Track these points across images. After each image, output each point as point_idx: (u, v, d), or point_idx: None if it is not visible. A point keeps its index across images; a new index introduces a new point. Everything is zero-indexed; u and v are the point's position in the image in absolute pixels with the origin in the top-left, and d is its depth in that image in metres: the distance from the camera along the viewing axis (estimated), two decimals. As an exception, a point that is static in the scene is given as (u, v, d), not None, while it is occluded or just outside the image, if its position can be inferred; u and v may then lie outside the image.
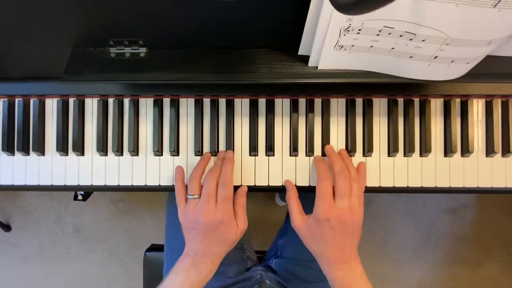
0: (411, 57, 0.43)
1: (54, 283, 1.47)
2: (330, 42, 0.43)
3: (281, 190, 0.58)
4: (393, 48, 0.43)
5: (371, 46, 0.43)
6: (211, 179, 0.52)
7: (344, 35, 0.42)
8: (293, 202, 0.54)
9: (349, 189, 0.51)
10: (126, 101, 0.59)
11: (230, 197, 0.52)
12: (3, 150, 0.59)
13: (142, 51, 0.51)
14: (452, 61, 0.43)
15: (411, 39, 0.40)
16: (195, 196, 0.52)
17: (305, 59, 0.49)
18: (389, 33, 0.40)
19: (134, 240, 1.45)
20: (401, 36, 0.40)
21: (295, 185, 0.57)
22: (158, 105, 0.58)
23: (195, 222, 0.51)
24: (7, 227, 1.45)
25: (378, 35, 0.41)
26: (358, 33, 0.41)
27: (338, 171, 0.52)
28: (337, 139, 0.58)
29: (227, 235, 0.52)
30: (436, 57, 0.42)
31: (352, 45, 0.43)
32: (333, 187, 0.52)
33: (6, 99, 0.59)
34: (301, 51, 0.49)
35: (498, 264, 1.42)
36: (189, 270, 0.51)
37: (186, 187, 0.55)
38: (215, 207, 0.51)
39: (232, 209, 0.53)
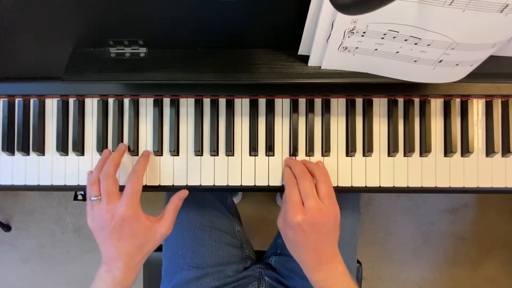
0: (415, 61, 0.43)
1: (54, 283, 1.47)
2: (335, 42, 0.43)
3: (281, 190, 0.58)
4: (397, 52, 0.43)
5: (376, 49, 0.43)
6: (107, 174, 0.50)
7: (349, 36, 0.42)
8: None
9: (313, 190, 0.50)
10: (126, 101, 0.59)
11: (136, 194, 0.50)
12: (3, 150, 0.59)
13: (142, 51, 0.51)
14: (457, 64, 0.43)
15: (416, 44, 0.40)
16: (98, 197, 0.50)
17: (305, 59, 0.49)
18: (394, 37, 0.40)
19: (134, 240, 1.45)
20: (406, 40, 0.40)
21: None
22: (158, 105, 0.58)
23: (100, 222, 0.49)
24: (7, 227, 1.45)
25: (382, 38, 0.41)
26: (362, 35, 0.41)
27: (298, 174, 0.51)
28: (337, 139, 0.58)
29: (136, 232, 0.49)
30: (441, 61, 0.42)
31: (356, 47, 0.43)
32: None
33: (6, 99, 0.59)
34: (301, 51, 0.49)
35: (498, 264, 1.42)
36: (104, 278, 0.49)
37: None
38: (115, 203, 0.49)
39: (137, 205, 0.50)
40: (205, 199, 0.70)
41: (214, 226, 0.69)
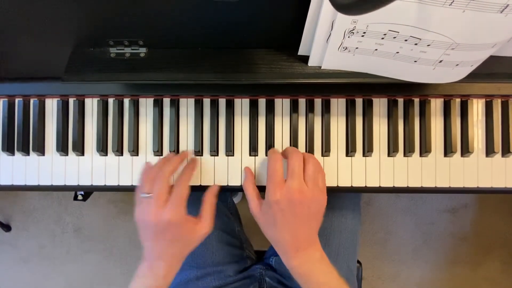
0: (415, 61, 0.43)
1: (54, 283, 1.47)
2: (335, 43, 0.43)
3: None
4: (397, 52, 0.43)
5: (376, 49, 0.43)
6: (163, 177, 0.50)
7: (349, 37, 0.42)
8: (249, 189, 0.52)
9: (301, 170, 0.48)
10: (126, 101, 0.59)
11: (183, 197, 0.50)
12: (3, 150, 0.59)
13: (142, 51, 0.51)
14: (457, 65, 0.43)
15: (416, 44, 0.40)
16: (150, 194, 0.50)
17: (305, 59, 0.49)
18: (394, 37, 0.40)
19: (134, 240, 1.45)
20: (406, 40, 0.40)
21: (247, 166, 0.56)
22: (158, 105, 0.58)
23: (146, 222, 0.49)
24: (7, 227, 1.45)
25: (383, 38, 0.41)
26: (362, 35, 0.41)
27: (289, 152, 0.50)
28: (337, 139, 0.58)
29: (180, 236, 0.50)
30: (441, 61, 0.42)
31: (357, 48, 0.43)
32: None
33: (6, 99, 0.59)
34: (301, 51, 0.49)
35: (498, 264, 1.42)
36: (145, 276, 0.50)
37: None
38: (164, 206, 0.48)
39: (184, 210, 0.50)
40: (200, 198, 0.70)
41: (215, 226, 0.69)
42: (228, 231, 0.72)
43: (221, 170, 0.58)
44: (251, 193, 0.52)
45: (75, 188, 0.59)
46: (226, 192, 0.76)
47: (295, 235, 0.48)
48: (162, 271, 0.50)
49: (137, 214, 0.51)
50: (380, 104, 0.58)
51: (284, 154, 0.52)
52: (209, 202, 0.54)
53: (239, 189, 0.59)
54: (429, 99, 0.57)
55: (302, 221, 0.48)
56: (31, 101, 0.59)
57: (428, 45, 0.40)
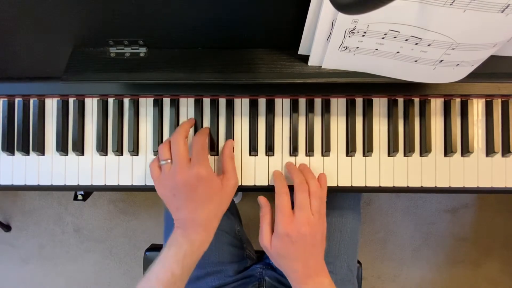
0: (416, 61, 0.43)
1: (54, 283, 1.47)
2: (335, 42, 0.43)
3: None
4: (398, 52, 0.43)
5: (376, 49, 0.43)
6: (178, 138, 0.50)
7: (349, 36, 0.42)
8: (266, 220, 0.53)
9: (307, 202, 0.51)
10: (126, 101, 0.59)
11: (204, 150, 0.50)
12: (3, 150, 0.59)
13: (142, 51, 0.51)
14: (458, 65, 0.43)
15: (416, 44, 0.40)
16: (168, 160, 0.50)
17: (305, 59, 0.49)
18: (395, 37, 0.40)
19: (134, 240, 1.45)
20: (406, 40, 0.40)
21: (263, 196, 0.57)
22: (158, 105, 0.58)
23: (173, 187, 0.48)
24: (7, 227, 1.45)
25: (383, 38, 0.41)
26: (363, 35, 0.41)
27: (297, 184, 0.52)
28: (337, 139, 0.58)
29: (211, 192, 0.49)
30: (441, 61, 0.42)
31: (357, 47, 0.43)
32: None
33: (6, 99, 0.59)
34: (301, 51, 0.49)
35: (498, 264, 1.42)
36: (180, 242, 0.49)
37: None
38: (188, 163, 0.48)
39: (208, 165, 0.50)
40: None
41: None
42: (228, 231, 0.72)
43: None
44: (267, 225, 0.53)
45: (75, 188, 0.59)
46: None
47: (306, 264, 0.51)
48: (198, 236, 0.49)
49: (160, 184, 0.50)
50: (380, 104, 0.58)
51: (289, 171, 0.55)
52: (227, 156, 0.54)
53: (239, 189, 0.59)
54: (429, 99, 0.57)
55: (311, 249, 0.50)
56: (31, 101, 0.59)
57: (429, 45, 0.40)
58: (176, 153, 0.49)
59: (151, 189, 0.58)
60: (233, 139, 0.58)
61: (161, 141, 0.58)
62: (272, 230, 0.52)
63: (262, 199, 0.55)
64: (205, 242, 0.51)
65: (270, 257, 0.53)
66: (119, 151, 0.58)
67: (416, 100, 0.58)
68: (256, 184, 0.58)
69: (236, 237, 0.73)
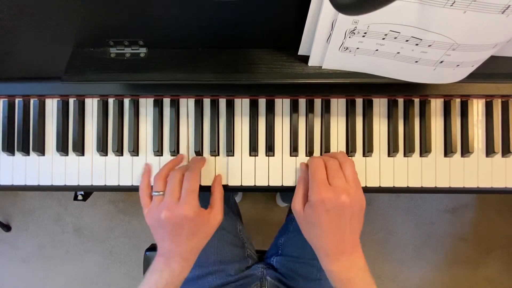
0: (416, 61, 0.43)
1: (54, 283, 1.47)
2: (335, 43, 0.43)
3: (281, 190, 0.58)
4: (398, 53, 0.43)
5: (377, 50, 0.43)
6: (176, 174, 0.50)
7: (350, 37, 0.42)
8: (302, 185, 0.51)
9: (340, 170, 0.48)
10: (126, 101, 0.59)
11: (195, 191, 0.49)
12: (3, 150, 0.59)
13: (142, 51, 0.51)
14: (458, 65, 0.43)
15: (417, 44, 0.40)
16: (160, 192, 0.51)
17: (305, 59, 0.49)
18: (395, 38, 0.40)
19: (134, 240, 1.45)
20: (407, 41, 0.40)
21: (304, 163, 0.56)
22: (158, 105, 0.58)
23: (160, 220, 0.49)
24: (7, 227, 1.45)
25: (384, 39, 0.41)
26: (363, 36, 0.41)
27: (325, 156, 0.52)
28: (337, 139, 0.58)
29: (197, 229, 0.50)
30: (442, 62, 0.42)
31: (357, 48, 0.43)
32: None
33: (6, 99, 0.59)
34: (301, 51, 0.49)
35: (498, 264, 1.42)
36: (162, 270, 0.50)
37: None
38: (177, 202, 0.49)
39: (197, 203, 0.49)
40: (208, 198, 0.70)
41: None
42: (230, 230, 0.72)
43: (221, 170, 0.58)
44: (301, 190, 0.50)
45: (75, 188, 0.59)
46: (228, 192, 0.76)
47: (341, 237, 0.47)
48: (178, 266, 0.50)
49: (149, 214, 0.51)
50: (380, 104, 0.58)
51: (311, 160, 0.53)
52: (217, 190, 0.54)
53: (239, 189, 0.59)
54: (429, 99, 0.57)
55: (347, 223, 0.46)
56: (31, 101, 0.59)
57: (429, 46, 0.40)
58: (170, 190, 0.49)
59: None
60: (233, 139, 0.58)
61: (161, 141, 0.58)
62: (307, 198, 0.49)
63: (303, 165, 0.54)
64: (185, 270, 0.51)
65: (300, 226, 0.50)
66: (119, 151, 0.58)
67: (416, 100, 0.58)
68: (256, 184, 0.58)
69: (238, 236, 0.73)
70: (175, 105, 0.58)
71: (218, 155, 0.58)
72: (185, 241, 0.50)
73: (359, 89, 0.57)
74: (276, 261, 0.73)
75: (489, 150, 0.57)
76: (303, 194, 0.50)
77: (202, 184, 0.58)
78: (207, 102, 0.58)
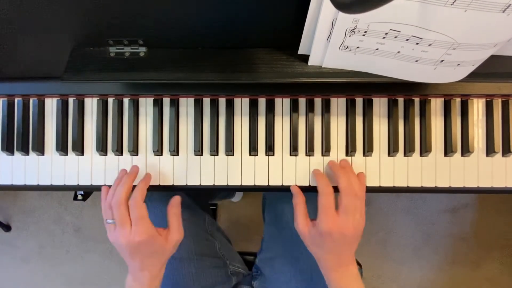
0: (417, 61, 0.43)
1: (54, 283, 1.47)
2: (336, 42, 0.43)
3: (281, 190, 0.58)
4: (398, 52, 0.43)
5: (377, 49, 0.43)
6: (119, 202, 0.50)
7: (350, 36, 0.42)
8: (300, 208, 0.54)
9: (354, 207, 0.51)
10: (126, 101, 0.59)
11: (144, 217, 0.50)
12: (2, 150, 0.59)
13: (142, 50, 0.51)
14: (458, 64, 0.43)
15: (417, 43, 0.40)
16: (112, 220, 0.52)
17: (305, 58, 0.49)
18: (396, 37, 0.40)
19: (134, 240, 1.45)
20: (407, 40, 0.40)
21: (296, 185, 0.57)
22: (158, 104, 0.58)
23: (118, 245, 0.51)
24: (7, 227, 1.45)
25: (384, 38, 0.41)
26: (364, 35, 0.41)
27: (344, 188, 0.52)
28: (337, 138, 0.58)
29: (154, 250, 0.52)
30: (442, 61, 0.42)
31: (358, 47, 0.43)
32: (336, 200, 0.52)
33: (5, 98, 0.59)
34: (301, 51, 0.49)
35: (498, 264, 1.42)
36: (132, 286, 0.53)
37: None
38: (130, 230, 0.50)
39: (150, 226, 0.51)
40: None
41: (193, 252, 0.68)
42: (208, 253, 0.71)
43: (221, 170, 0.58)
44: (302, 212, 0.54)
45: (75, 188, 0.59)
46: (200, 216, 0.75)
47: (339, 256, 0.53)
48: (145, 280, 0.53)
49: (109, 237, 0.53)
50: (380, 104, 0.58)
51: (334, 172, 0.55)
52: (171, 214, 0.55)
53: (238, 189, 0.59)
54: (429, 98, 0.57)
55: (348, 246, 0.53)
56: (31, 100, 0.59)
57: (430, 45, 0.40)
58: (117, 219, 0.50)
59: (151, 188, 0.58)
60: (233, 138, 0.58)
61: (161, 141, 0.58)
62: (308, 217, 0.54)
63: (294, 188, 0.56)
64: (154, 281, 0.53)
65: (304, 241, 0.55)
66: (119, 151, 0.58)
67: (416, 100, 0.58)
68: (256, 184, 0.58)
69: (218, 257, 0.73)
70: (175, 105, 0.58)
71: (218, 154, 0.58)
72: (145, 259, 0.52)
73: (359, 88, 0.57)
74: (259, 260, 0.75)
75: (490, 150, 0.57)
76: (304, 218, 0.54)
77: (202, 184, 0.58)
78: (207, 101, 0.58)
